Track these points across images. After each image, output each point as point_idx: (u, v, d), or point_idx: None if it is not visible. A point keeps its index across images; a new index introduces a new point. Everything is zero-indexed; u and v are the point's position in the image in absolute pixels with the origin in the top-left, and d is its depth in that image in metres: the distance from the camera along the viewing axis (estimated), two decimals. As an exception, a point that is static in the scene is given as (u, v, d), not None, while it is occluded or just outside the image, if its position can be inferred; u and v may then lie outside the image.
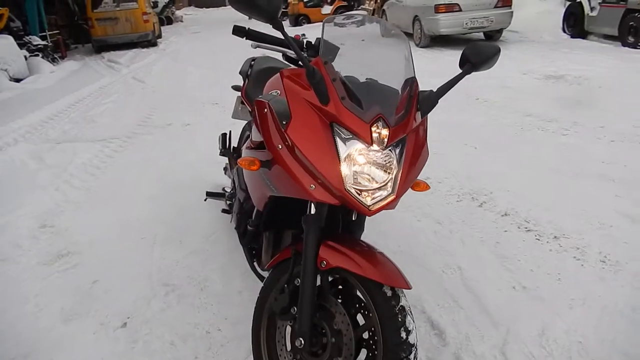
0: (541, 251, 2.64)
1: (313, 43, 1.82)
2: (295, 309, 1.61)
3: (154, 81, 8.81)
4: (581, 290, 2.29)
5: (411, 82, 1.58)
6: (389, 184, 1.47)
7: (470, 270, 2.47)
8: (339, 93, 1.46)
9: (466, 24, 9.77)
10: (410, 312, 1.50)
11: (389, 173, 1.47)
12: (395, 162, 1.48)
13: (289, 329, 1.70)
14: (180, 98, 7.18)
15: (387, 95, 1.54)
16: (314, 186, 1.48)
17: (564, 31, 10.19)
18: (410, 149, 1.53)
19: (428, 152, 1.64)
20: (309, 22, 17.45)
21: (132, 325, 2.27)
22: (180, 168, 4.18)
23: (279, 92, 1.87)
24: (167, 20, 23.11)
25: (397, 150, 1.50)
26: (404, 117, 1.51)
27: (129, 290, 2.51)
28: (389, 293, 1.49)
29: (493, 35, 10.24)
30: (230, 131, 3.03)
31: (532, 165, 3.77)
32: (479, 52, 1.64)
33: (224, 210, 2.62)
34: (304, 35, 1.91)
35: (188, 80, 8.67)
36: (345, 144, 1.45)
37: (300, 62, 1.75)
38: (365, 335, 1.59)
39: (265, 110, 1.66)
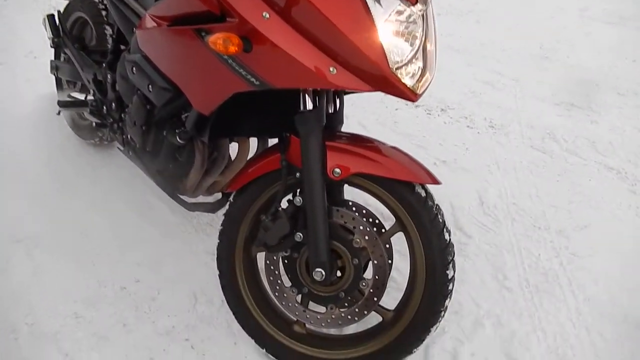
0: (437, 124, 2.66)
1: None
2: (301, 235, 1.25)
3: None
4: (489, 155, 2.40)
5: None
6: (422, 57, 1.14)
7: (387, 153, 2.35)
8: None
9: None
10: (441, 208, 1.29)
11: (420, 43, 1.12)
12: (425, 28, 1.14)
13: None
14: None
15: None
16: (334, 69, 1.05)
17: None
18: (430, 13, 1.20)
19: None
20: None
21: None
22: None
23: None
24: None
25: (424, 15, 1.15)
26: None
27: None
28: (423, 193, 1.24)
29: None
30: (59, 11, 2.11)
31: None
32: None
33: (98, 125, 1.86)
34: None
35: None
36: (380, 3, 1.03)
37: None
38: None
39: None
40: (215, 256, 1.39)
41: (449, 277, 1.24)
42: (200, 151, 1.49)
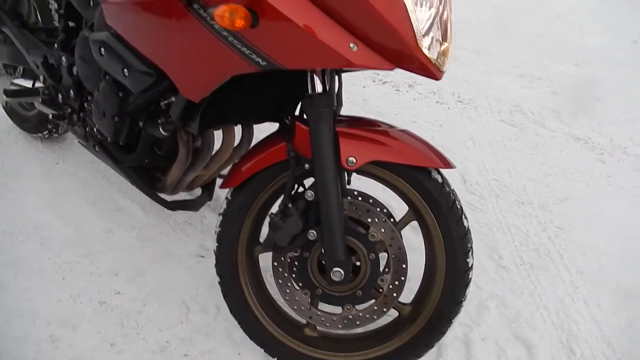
0: (407, 101, 2.62)
1: None
2: (314, 233, 1.14)
3: None
4: (463, 132, 2.38)
5: None
6: (439, 27, 1.04)
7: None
8: None
9: None
10: (455, 192, 1.23)
11: (437, 12, 1.03)
12: None
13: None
14: None
15: None
16: (355, 46, 0.94)
17: None
18: None
19: None
20: None
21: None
22: None
23: None
24: None
25: None
26: None
27: None
28: (440, 179, 1.16)
29: None
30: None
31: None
32: None
33: (55, 117, 1.61)
34: None
35: None
36: None
37: None
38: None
39: None
40: (215, 261, 1.25)
41: (469, 265, 1.19)
42: (185, 143, 1.33)
